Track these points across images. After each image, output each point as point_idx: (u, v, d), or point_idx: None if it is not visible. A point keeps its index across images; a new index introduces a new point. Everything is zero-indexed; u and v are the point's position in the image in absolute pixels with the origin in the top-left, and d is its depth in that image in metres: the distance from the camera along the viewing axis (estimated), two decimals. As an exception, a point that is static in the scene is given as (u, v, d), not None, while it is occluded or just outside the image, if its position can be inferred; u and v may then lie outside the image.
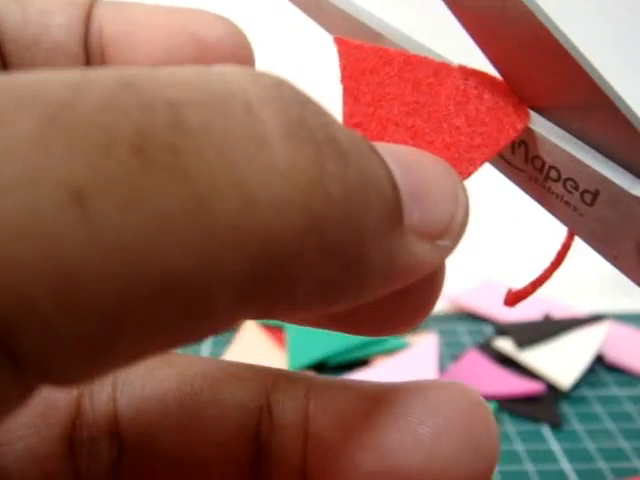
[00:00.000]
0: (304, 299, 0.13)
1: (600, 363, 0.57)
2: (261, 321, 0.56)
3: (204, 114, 0.11)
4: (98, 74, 0.11)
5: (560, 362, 0.55)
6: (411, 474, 0.17)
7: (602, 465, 0.46)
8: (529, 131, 0.18)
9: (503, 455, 0.47)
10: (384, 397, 0.18)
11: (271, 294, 0.12)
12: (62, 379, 0.10)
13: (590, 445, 0.48)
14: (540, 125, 0.18)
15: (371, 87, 0.18)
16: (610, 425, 0.50)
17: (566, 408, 0.52)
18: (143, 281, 0.10)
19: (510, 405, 0.52)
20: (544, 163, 0.19)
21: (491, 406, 0.50)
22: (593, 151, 0.18)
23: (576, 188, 0.18)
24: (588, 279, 0.69)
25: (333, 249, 0.12)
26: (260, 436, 0.18)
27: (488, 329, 0.62)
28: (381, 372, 0.54)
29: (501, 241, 0.73)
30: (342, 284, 0.13)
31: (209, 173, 0.11)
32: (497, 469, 0.45)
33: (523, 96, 0.18)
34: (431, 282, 0.17)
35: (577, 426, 0.50)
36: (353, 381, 0.19)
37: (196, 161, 0.11)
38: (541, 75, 0.17)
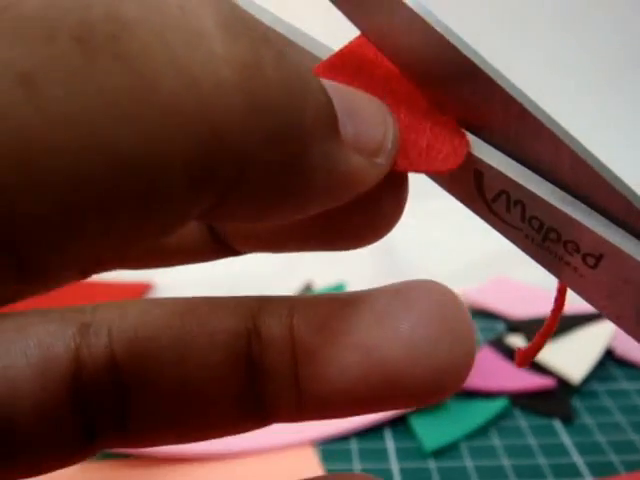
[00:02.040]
0: (254, 190, 0.14)
1: (610, 357, 0.58)
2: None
3: (139, 10, 0.12)
4: None
5: (570, 357, 0.55)
6: (396, 366, 0.18)
7: (613, 458, 0.47)
8: (522, 188, 0.18)
9: (516, 449, 0.48)
10: (363, 301, 0.19)
11: (221, 179, 0.13)
12: (37, 268, 0.11)
13: (601, 438, 0.49)
14: (530, 180, 0.18)
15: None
16: (620, 418, 0.51)
17: (577, 402, 0.53)
18: (95, 155, 0.11)
19: (522, 400, 0.52)
20: (542, 224, 0.18)
21: (504, 401, 0.51)
22: (595, 213, 0.17)
23: (577, 250, 0.18)
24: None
25: (275, 134, 0.13)
26: (252, 356, 0.19)
27: (500, 326, 0.63)
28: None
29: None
30: (288, 177, 0.14)
31: (149, 56, 0.11)
32: (510, 463, 0.46)
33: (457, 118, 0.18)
34: (391, 195, 0.19)
35: (588, 420, 0.51)
36: (333, 293, 0.20)
37: (136, 46, 0.11)
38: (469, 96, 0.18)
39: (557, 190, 0.18)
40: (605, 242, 0.17)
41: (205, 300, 0.20)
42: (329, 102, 0.15)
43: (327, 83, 0.16)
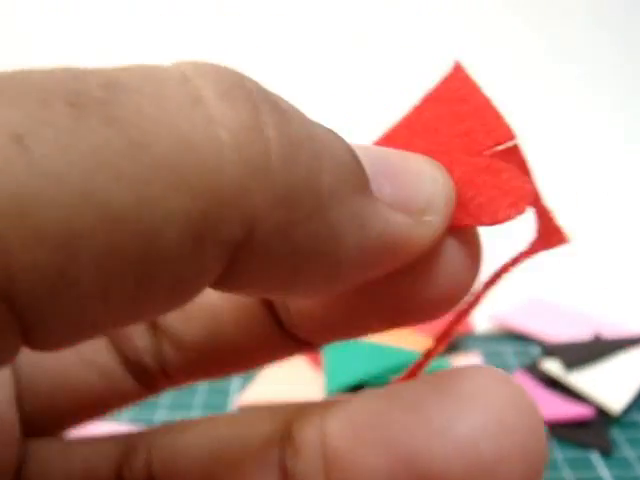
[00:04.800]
0: (269, 252, 0.13)
1: (653, 386, 0.55)
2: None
3: (137, 78, 0.13)
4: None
5: (610, 385, 0.52)
6: None
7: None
8: None
9: None
10: (404, 398, 0.17)
11: (226, 238, 0.13)
12: (38, 325, 0.12)
13: None
14: None
15: (433, 119, 0.19)
16: (664, 452, 0.48)
17: (616, 433, 0.50)
18: (88, 209, 0.11)
19: (558, 430, 0.50)
20: None
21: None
22: None
23: None
24: (640, 297, 0.67)
25: (285, 194, 0.13)
26: (285, 462, 0.18)
27: (535, 350, 0.61)
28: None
29: (548, 257, 0.71)
30: (309, 239, 0.14)
31: (142, 119, 0.12)
32: None
33: None
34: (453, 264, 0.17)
35: (628, 452, 0.48)
36: (374, 391, 0.18)
37: (128, 110, 0.12)
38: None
39: None
40: None
41: (240, 414, 0.20)
42: (354, 161, 0.15)
43: (357, 145, 0.15)
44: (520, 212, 0.16)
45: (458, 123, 0.18)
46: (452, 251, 0.17)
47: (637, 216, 0.83)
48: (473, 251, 0.17)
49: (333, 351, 0.55)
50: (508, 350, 0.61)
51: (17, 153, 0.11)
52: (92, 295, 0.12)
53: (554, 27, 0.96)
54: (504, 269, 0.19)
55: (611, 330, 0.61)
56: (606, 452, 0.48)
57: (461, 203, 0.17)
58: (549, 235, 0.18)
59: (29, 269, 0.11)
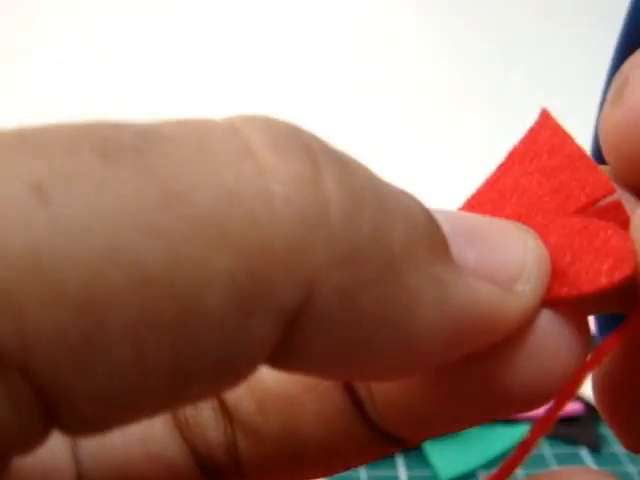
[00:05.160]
0: (333, 318, 0.12)
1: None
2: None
3: (178, 130, 0.11)
4: None
5: (599, 381, 0.53)
6: None
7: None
8: None
9: None
10: None
11: (280, 303, 0.11)
12: (62, 399, 0.10)
13: (631, 468, 0.47)
14: None
15: (520, 173, 0.17)
16: (653, 447, 0.48)
17: (605, 430, 0.50)
18: (116, 270, 0.10)
19: (546, 426, 0.50)
20: None
21: (527, 428, 0.49)
22: None
23: None
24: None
25: (349, 253, 0.12)
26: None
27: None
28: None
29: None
30: (378, 305, 0.12)
31: (181, 169, 0.11)
32: None
33: None
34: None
35: (617, 449, 0.49)
36: None
37: (165, 160, 0.11)
38: None
39: None
40: None
41: None
42: (429, 221, 0.13)
43: (435, 209, 0.14)
44: (624, 276, 0.14)
45: (548, 179, 0.16)
46: (549, 328, 0.15)
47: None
48: (575, 328, 0.15)
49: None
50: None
51: (36, 204, 0.10)
52: (125, 367, 0.10)
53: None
54: (606, 347, 0.15)
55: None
56: (595, 448, 0.49)
57: (557, 271, 0.15)
58: None
59: (47, 333, 0.10)
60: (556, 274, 0.15)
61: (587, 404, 0.51)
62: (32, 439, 0.11)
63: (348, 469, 0.19)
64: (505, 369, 0.15)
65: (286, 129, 0.12)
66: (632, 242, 0.15)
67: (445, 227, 0.13)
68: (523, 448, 0.16)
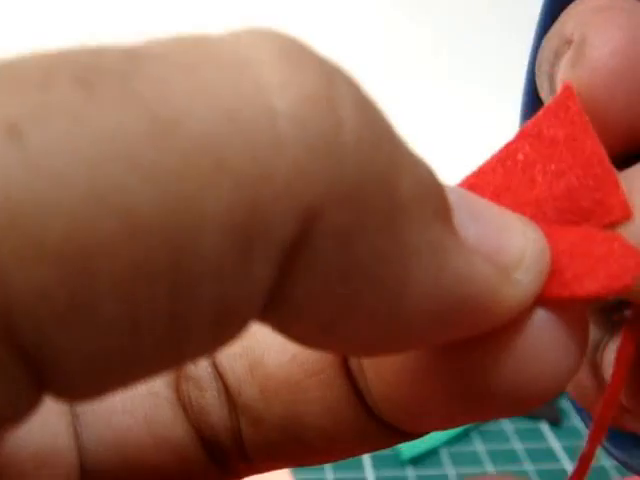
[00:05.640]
0: (328, 261, 0.11)
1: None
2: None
3: (169, 48, 0.10)
4: None
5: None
6: None
7: (605, 463, 0.45)
8: None
9: (501, 454, 0.46)
10: None
11: (278, 233, 0.10)
12: (51, 363, 0.09)
13: None
14: None
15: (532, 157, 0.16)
16: (612, 420, 0.49)
17: (565, 403, 0.51)
18: (101, 216, 0.09)
19: (507, 402, 0.50)
20: None
21: None
22: None
23: None
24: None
25: (356, 189, 0.10)
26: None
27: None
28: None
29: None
30: (373, 254, 0.11)
31: (170, 92, 0.09)
32: (494, 469, 0.45)
33: None
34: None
35: (577, 422, 0.49)
36: None
37: (152, 83, 0.09)
38: None
39: None
40: None
41: None
42: (437, 182, 0.12)
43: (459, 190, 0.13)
44: (623, 286, 0.14)
45: (560, 179, 0.16)
46: (545, 326, 0.14)
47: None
48: (573, 330, 0.14)
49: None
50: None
51: (10, 147, 0.09)
52: (117, 326, 0.09)
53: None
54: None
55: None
56: (555, 422, 0.49)
57: (556, 271, 0.14)
58: None
59: (31, 294, 0.09)
60: (555, 274, 0.14)
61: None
62: (22, 407, 0.10)
63: (350, 457, 0.19)
64: (496, 365, 0.14)
65: (298, 43, 0.11)
66: (635, 252, 0.14)
67: (452, 199, 0.13)
68: (583, 463, 0.16)
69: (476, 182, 0.16)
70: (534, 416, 0.50)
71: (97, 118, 0.09)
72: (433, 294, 0.12)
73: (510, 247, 0.14)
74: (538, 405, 0.14)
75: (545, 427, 0.49)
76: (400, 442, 0.18)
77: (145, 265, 0.09)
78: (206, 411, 0.18)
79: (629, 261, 0.14)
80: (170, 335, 0.10)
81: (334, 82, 0.11)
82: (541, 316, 0.14)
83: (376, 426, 0.17)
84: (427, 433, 0.17)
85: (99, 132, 0.09)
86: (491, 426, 0.49)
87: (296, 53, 0.11)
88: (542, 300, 0.14)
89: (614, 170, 0.15)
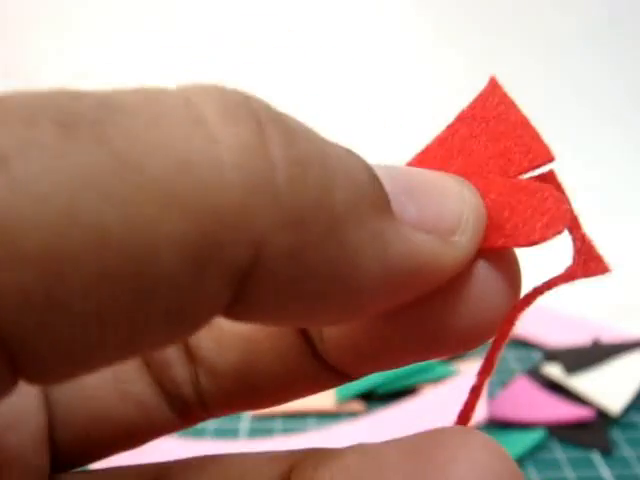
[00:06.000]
0: (281, 276, 0.12)
1: (651, 388, 0.56)
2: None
3: (134, 100, 0.12)
4: None
5: (609, 387, 0.54)
6: None
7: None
8: None
9: None
10: (392, 459, 0.15)
11: (230, 262, 0.12)
12: (28, 353, 0.11)
13: None
14: None
15: (468, 137, 0.18)
16: (662, 451, 0.50)
17: (616, 434, 0.52)
18: (75, 232, 0.10)
19: (560, 431, 0.51)
20: None
21: (541, 433, 0.50)
22: None
23: None
24: (637, 303, 0.68)
25: (294, 215, 0.12)
26: None
27: (536, 355, 0.62)
28: (428, 401, 0.54)
29: (549, 263, 0.72)
30: (323, 263, 0.13)
31: (135, 139, 0.11)
32: None
33: None
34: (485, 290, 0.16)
35: (628, 452, 0.50)
36: (362, 445, 0.16)
37: (121, 130, 0.11)
38: None
39: None
40: None
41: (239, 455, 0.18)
42: (371, 179, 0.14)
43: (377, 165, 0.15)
44: (556, 232, 0.16)
45: (494, 143, 0.18)
46: (485, 274, 0.16)
47: (635, 220, 0.84)
48: (509, 275, 0.16)
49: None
50: (510, 356, 0.62)
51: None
52: (86, 322, 0.11)
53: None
54: (537, 292, 0.17)
55: (609, 335, 0.62)
56: (606, 452, 0.50)
57: (496, 224, 0.16)
58: (588, 263, 0.17)
59: (12, 292, 0.10)
60: (495, 226, 0.16)
61: (598, 410, 0.52)
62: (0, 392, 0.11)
63: (298, 399, 0.20)
64: (445, 311, 0.16)
65: (236, 98, 0.13)
66: (566, 203, 0.16)
67: (386, 183, 0.14)
68: (474, 392, 0.18)
69: (423, 158, 0.18)
70: (586, 445, 0.50)
71: (74, 154, 0.11)
72: (382, 275, 0.14)
73: (448, 214, 0.15)
74: (483, 341, 0.16)
75: (597, 457, 0.49)
76: (340, 384, 0.19)
77: (110, 271, 0.11)
78: (168, 365, 0.19)
79: (559, 210, 0.16)
80: (131, 329, 0.11)
81: (264, 132, 0.12)
82: (483, 265, 0.16)
83: (323, 370, 0.18)
84: (368, 374, 0.18)
85: (75, 165, 0.11)
86: (544, 455, 0.49)
87: (233, 109, 0.12)
88: (485, 251, 0.16)
89: (537, 130, 0.17)
